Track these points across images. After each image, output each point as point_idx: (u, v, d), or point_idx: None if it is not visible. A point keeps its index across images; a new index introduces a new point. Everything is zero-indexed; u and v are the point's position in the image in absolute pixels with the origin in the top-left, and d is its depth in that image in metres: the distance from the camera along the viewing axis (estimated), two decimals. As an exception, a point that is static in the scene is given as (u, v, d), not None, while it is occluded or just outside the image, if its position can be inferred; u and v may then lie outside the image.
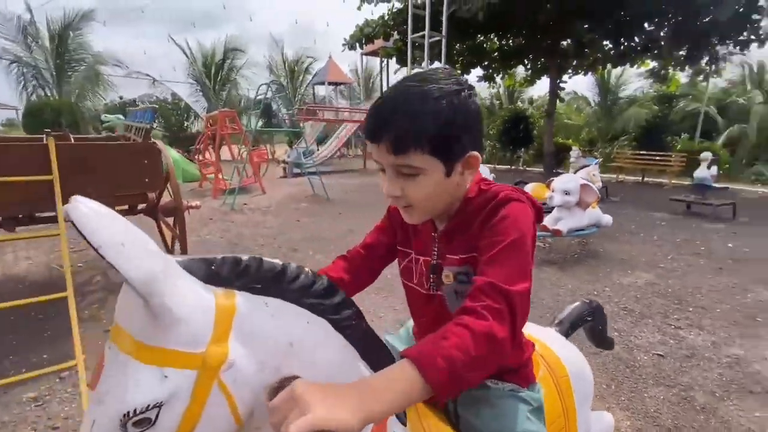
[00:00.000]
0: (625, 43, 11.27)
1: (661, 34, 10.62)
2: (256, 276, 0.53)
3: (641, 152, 12.08)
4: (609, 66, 13.26)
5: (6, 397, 1.99)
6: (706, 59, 10.72)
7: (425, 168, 0.65)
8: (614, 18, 10.02)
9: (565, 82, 13.23)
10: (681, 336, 2.64)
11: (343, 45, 10.79)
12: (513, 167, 15.07)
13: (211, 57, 18.21)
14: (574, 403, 0.89)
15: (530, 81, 14.45)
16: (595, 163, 7.08)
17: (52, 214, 2.95)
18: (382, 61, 15.32)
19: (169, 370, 0.47)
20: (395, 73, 13.53)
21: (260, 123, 7.80)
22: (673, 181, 10.68)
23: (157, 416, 0.46)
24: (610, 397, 2.04)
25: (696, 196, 6.91)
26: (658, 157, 11.35)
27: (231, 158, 9.66)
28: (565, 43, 11.68)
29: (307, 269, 0.58)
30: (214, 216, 6.21)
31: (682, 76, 16.22)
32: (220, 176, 8.67)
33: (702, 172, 7.01)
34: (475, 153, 0.68)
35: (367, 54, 16.54)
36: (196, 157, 9.18)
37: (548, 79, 12.89)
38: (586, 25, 10.53)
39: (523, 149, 15.29)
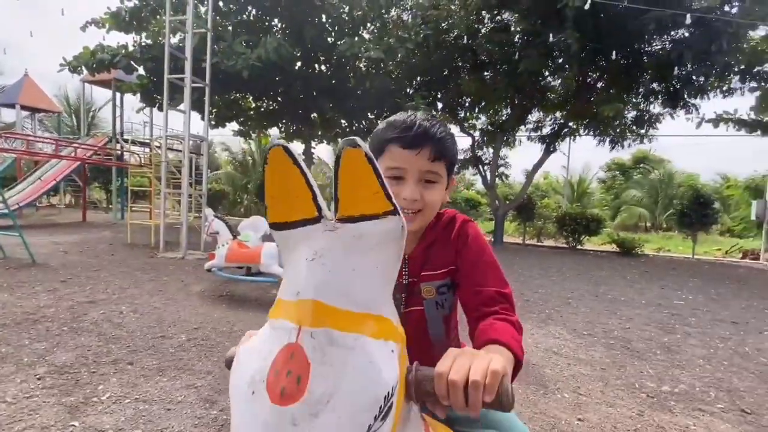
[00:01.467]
0: (356, 125, 14.31)
1: (378, 122, 14.21)
2: None
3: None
4: (345, 139, 16.32)
5: None
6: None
7: (442, 177, 0.82)
8: (348, 104, 12.63)
9: (314, 148, 15.23)
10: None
11: (62, 66, 8.36)
12: (272, 221, 15.45)
13: None
14: None
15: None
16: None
17: None
18: (114, 95, 12.73)
19: (392, 344, 0.42)
20: (138, 111, 11.55)
21: None
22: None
23: (393, 403, 0.39)
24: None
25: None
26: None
27: None
28: (314, 115, 13.56)
29: None
30: None
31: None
32: None
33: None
34: (455, 177, 0.88)
35: (91, 82, 13.33)
36: None
37: (301, 143, 14.49)
38: (330, 104, 12.72)
39: (281, 204, 16.09)
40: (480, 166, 13.46)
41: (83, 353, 2.87)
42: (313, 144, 14.83)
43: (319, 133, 14.88)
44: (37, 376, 2.49)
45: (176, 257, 7.02)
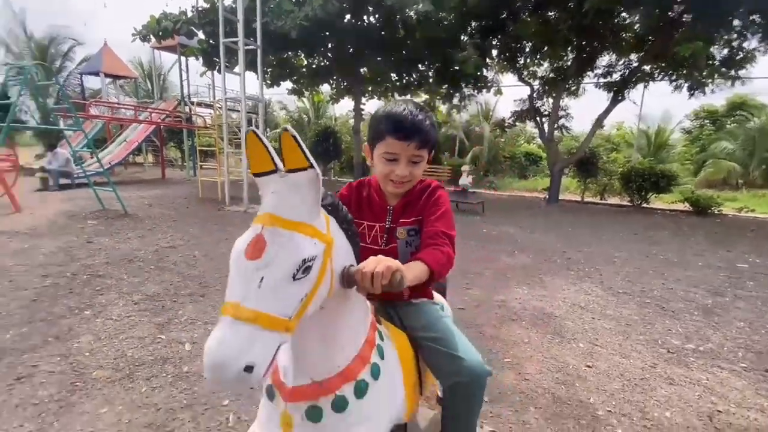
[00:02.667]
0: (406, 78, 13.95)
1: (429, 74, 13.71)
2: (329, 203, 0.83)
3: (423, 165, 15.23)
4: (396, 94, 16.05)
5: None
6: (458, 97, 14.43)
7: (424, 158, 1.11)
8: (398, 56, 12.29)
9: (364, 104, 15.23)
10: (470, 293, 3.70)
11: (134, 35, 9.16)
12: (325, 177, 16.12)
13: None
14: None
15: (336, 99, 15.87)
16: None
17: None
18: (180, 59, 13.65)
19: (316, 240, 0.72)
20: (201, 75, 12.33)
21: None
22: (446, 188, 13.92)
23: (311, 266, 0.69)
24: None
25: (461, 198, 9.29)
26: (433, 169, 14.55)
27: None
28: (363, 70, 13.44)
29: (345, 207, 0.89)
30: (-65, 245, 4.30)
31: (443, 108, 21.26)
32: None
33: (463, 180, 9.50)
34: (430, 155, 1.16)
35: (159, 48, 14.36)
36: None
37: (351, 100, 14.58)
38: (379, 58, 12.48)
39: (334, 161, 16.59)
40: (538, 118, 12.64)
41: (167, 287, 3.53)
42: (363, 100, 14.84)
43: (369, 88, 14.79)
44: (134, 302, 3.16)
45: (240, 210, 7.81)
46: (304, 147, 0.67)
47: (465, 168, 9.76)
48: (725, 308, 3.56)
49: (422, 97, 15.55)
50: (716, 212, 10.30)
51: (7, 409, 1.86)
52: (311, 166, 0.68)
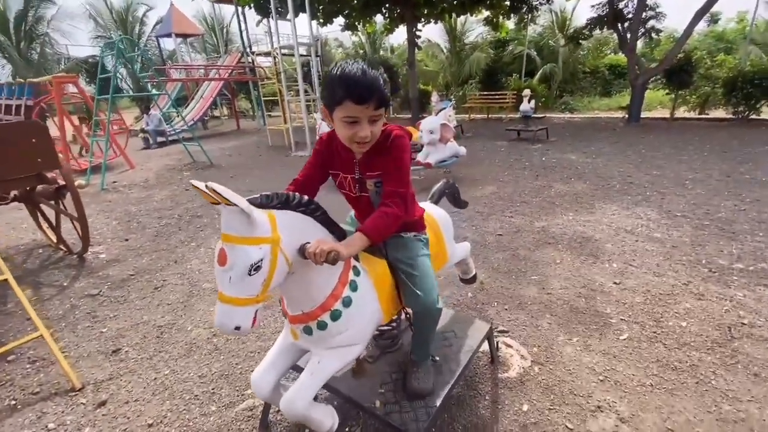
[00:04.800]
0: (463, -9, 12.72)
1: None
2: (278, 202, 1.07)
3: (485, 93, 14.30)
4: (454, 15, 14.80)
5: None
6: (525, 9, 12.90)
7: (381, 115, 1.16)
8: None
9: (420, 30, 14.38)
10: (512, 221, 3.87)
11: (193, -7, 9.63)
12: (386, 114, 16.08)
13: (2, 7, 13.89)
14: (443, 235, 1.66)
15: (389, 29, 15.19)
16: (450, 105, 8.33)
17: None
18: (237, 10, 14.01)
19: (261, 245, 0.99)
20: (257, 25, 12.64)
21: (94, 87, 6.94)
22: (509, 116, 13.10)
23: (261, 265, 0.99)
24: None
25: (522, 125, 8.85)
26: (497, 97, 13.67)
27: (75, 133, 8.24)
28: (415, -7, 12.55)
29: (297, 194, 1.12)
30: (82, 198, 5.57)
31: (510, 23, 19.01)
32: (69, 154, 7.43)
33: (524, 106, 8.94)
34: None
35: (217, 1, 14.81)
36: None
37: (405, 29, 13.85)
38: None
39: (394, 96, 16.35)
40: (619, 24, 10.92)
41: (248, 224, 4.26)
42: (419, 26, 14.02)
43: (425, 12, 13.85)
44: (225, 236, 3.93)
45: (304, 155, 8.46)
46: (226, 194, 0.91)
47: (526, 93, 9.09)
48: (799, 227, 3.29)
49: (483, 14, 14.19)
50: None
51: (151, 307, 2.68)
52: (235, 204, 0.94)
